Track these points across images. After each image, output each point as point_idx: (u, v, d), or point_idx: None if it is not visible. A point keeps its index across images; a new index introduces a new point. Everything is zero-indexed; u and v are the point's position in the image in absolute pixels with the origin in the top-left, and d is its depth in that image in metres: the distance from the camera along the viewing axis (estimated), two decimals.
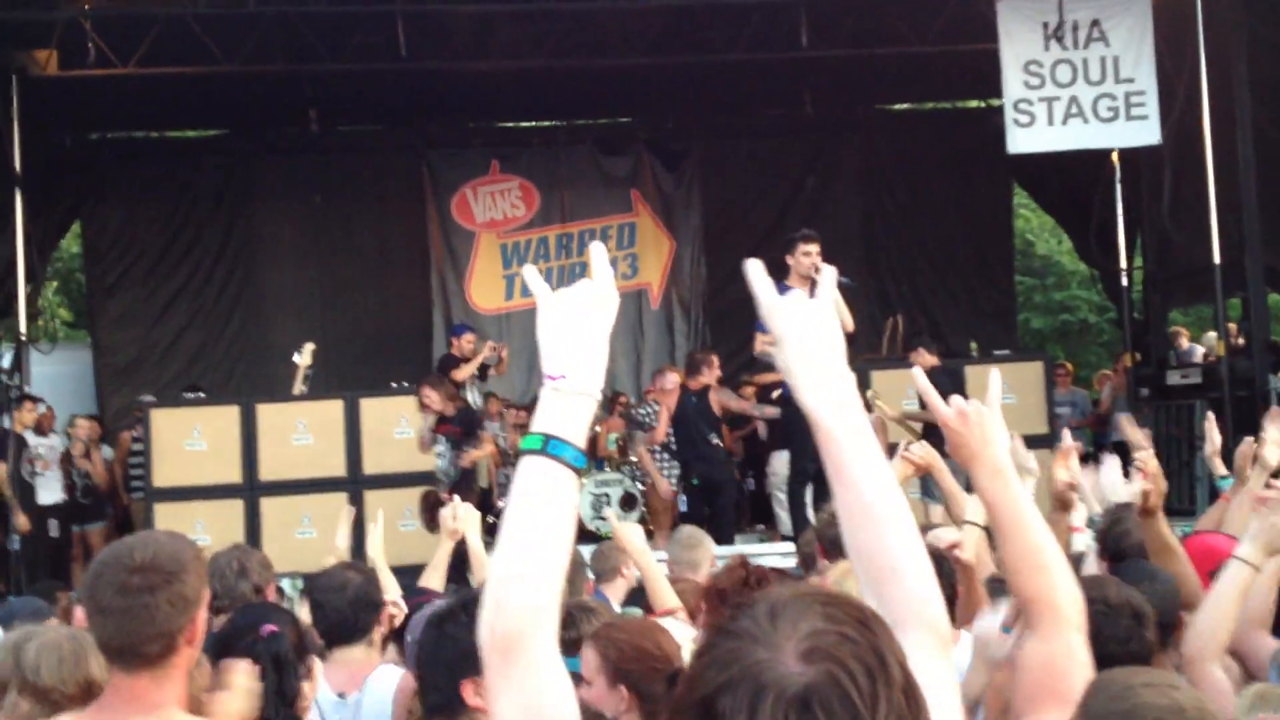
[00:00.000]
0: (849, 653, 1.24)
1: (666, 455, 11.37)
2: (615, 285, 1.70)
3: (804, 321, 1.69)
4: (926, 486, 9.86)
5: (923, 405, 8.76)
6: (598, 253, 1.74)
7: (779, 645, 1.24)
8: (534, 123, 17.41)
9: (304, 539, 10.86)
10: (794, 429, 9.10)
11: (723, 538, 9.63)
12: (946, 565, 3.60)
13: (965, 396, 8.25)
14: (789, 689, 1.21)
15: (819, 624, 1.26)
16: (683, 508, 9.95)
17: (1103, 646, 2.74)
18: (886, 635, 1.28)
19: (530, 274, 1.77)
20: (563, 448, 1.60)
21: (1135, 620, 2.79)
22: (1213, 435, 5.56)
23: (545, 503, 1.58)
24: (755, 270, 1.73)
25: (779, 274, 9.20)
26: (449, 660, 2.71)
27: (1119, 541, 3.91)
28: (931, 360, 10.32)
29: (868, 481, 1.66)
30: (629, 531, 4.53)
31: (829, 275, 1.79)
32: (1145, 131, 11.93)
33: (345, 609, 3.88)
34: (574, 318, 1.66)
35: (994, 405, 2.25)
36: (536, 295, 1.69)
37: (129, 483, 12.94)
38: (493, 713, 1.54)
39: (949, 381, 10.08)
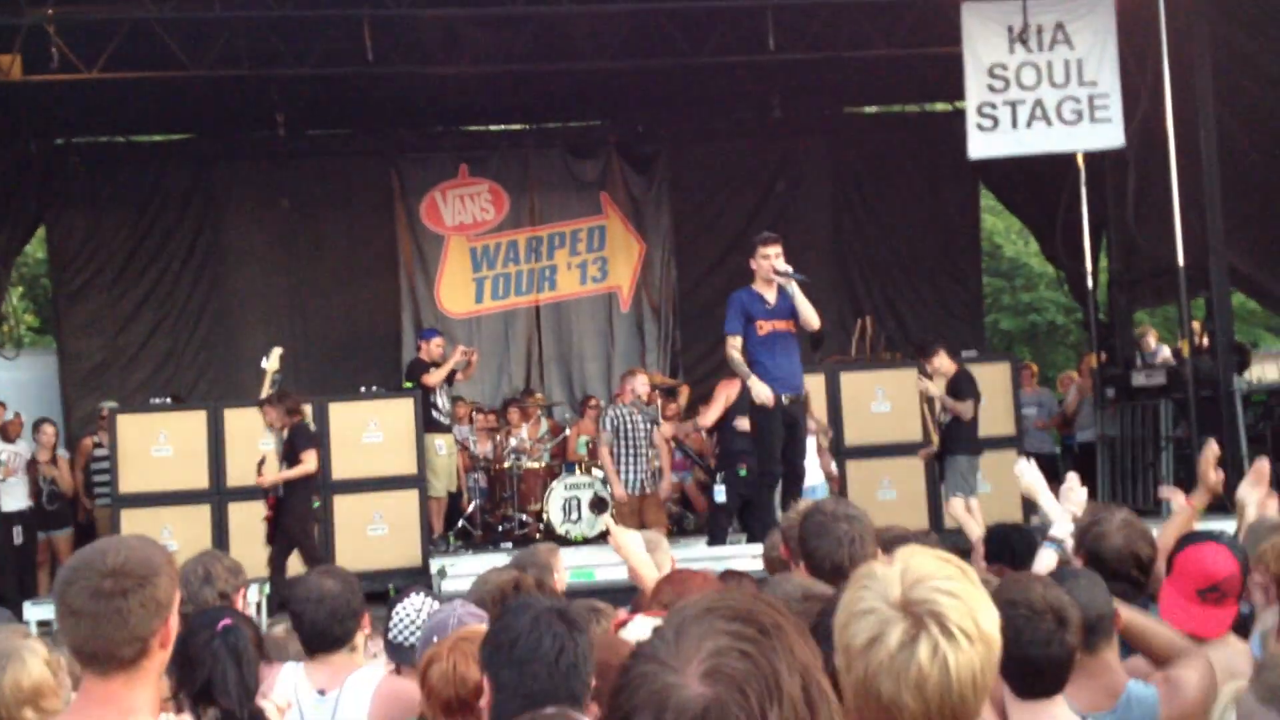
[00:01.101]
0: (745, 671, 1.26)
1: (627, 458, 11.31)
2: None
3: None
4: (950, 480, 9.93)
5: (956, 397, 8.88)
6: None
7: (681, 668, 1.27)
8: (503, 126, 17.39)
9: None
10: (761, 433, 9.09)
11: (762, 530, 9.57)
12: None
13: (980, 396, 8.52)
14: (686, 712, 1.24)
15: (722, 641, 1.28)
16: (719, 498, 9.82)
17: (1024, 649, 2.70)
18: (786, 647, 1.30)
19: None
20: None
21: (1058, 623, 2.78)
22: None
23: None
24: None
25: (745, 279, 9.22)
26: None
27: (1096, 544, 3.78)
28: (950, 364, 10.25)
29: None
30: (627, 538, 4.41)
31: None
32: (1109, 134, 11.99)
33: (322, 621, 3.87)
34: None
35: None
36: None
37: (90, 489, 12.85)
38: None
39: (969, 383, 10.14)
